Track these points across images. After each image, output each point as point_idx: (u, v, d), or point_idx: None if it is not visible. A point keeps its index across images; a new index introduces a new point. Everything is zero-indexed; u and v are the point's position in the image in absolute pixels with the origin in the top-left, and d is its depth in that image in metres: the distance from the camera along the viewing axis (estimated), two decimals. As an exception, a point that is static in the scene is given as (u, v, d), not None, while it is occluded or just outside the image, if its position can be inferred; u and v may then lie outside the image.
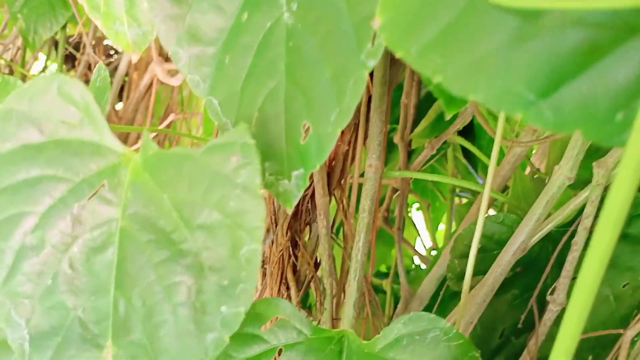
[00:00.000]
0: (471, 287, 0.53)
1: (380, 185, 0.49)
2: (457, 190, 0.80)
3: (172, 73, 0.94)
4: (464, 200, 0.90)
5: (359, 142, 0.52)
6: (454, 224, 0.84)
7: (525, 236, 0.44)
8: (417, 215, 1.17)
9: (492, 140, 0.84)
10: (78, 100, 0.32)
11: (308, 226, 0.53)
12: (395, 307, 0.71)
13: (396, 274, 0.75)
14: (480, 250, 0.48)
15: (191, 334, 0.29)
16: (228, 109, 0.32)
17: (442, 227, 1.01)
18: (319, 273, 0.52)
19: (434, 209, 0.96)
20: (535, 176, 0.61)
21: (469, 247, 0.49)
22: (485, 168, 0.77)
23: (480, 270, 0.49)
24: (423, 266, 0.96)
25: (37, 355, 0.31)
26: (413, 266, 1.02)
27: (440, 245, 0.82)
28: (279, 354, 0.35)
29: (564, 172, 0.44)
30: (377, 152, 0.49)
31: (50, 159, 0.32)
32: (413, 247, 0.75)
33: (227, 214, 0.28)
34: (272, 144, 0.31)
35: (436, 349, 0.33)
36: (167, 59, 0.96)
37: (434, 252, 0.87)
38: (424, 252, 0.84)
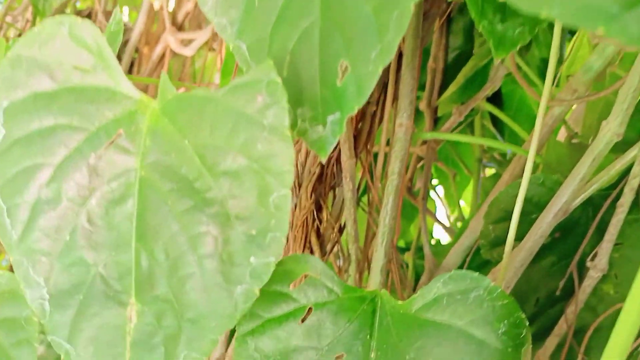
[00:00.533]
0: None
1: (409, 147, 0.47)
2: (484, 160, 0.77)
3: (185, 43, 0.92)
4: (487, 174, 0.87)
5: (388, 102, 0.49)
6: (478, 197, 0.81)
7: (568, 197, 0.41)
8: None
9: (520, 109, 0.81)
10: (91, 44, 0.30)
11: (332, 190, 0.51)
12: (416, 282, 0.69)
13: (417, 249, 0.73)
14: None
15: (219, 286, 0.27)
16: (257, 53, 0.30)
17: (462, 203, 0.98)
18: (343, 238, 0.50)
19: (454, 183, 0.93)
20: (572, 140, 0.57)
21: (506, 211, 0.47)
22: (514, 136, 0.74)
23: (517, 235, 0.47)
24: (442, 242, 0.94)
25: (58, 314, 0.30)
26: (433, 242, 0.99)
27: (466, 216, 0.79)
28: (308, 314, 0.33)
29: (612, 128, 0.41)
30: (408, 111, 0.47)
31: (64, 107, 0.30)
32: (437, 219, 0.73)
33: (253, 158, 0.26)
34: (305, 88, 0.28)
35: (479, 309, 0.30)
36: (180, 29, 0.94)
37: (454, 227, 0.84)
38: (443, 230, 0.81)
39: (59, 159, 0.30)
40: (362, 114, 0.49)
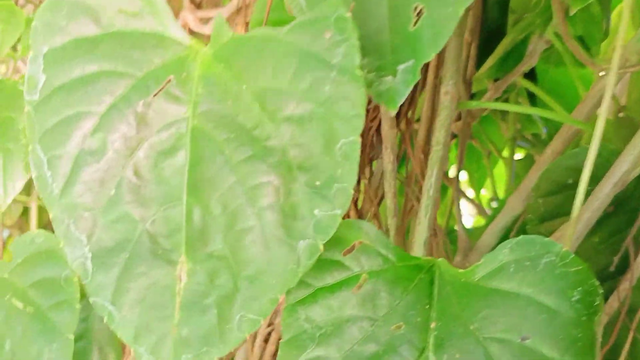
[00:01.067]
0: (552, 231, 0.48)
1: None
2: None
3: (204, 21, 0.89)
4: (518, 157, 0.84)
5: (431, 69, 0.47)
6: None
7: (629, 165, 0.39)
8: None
9: (553, 89, 0.78)
10: (139, -15, 0.28)
11: (370, 162, 0.49)
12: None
13: (448, 231, 0.71)
14: (569, 187, 0.43)
15: (280, 241, 0.25)
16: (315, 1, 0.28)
17: (483, 191, 0.96)
18: (381, 211, 0.48)
19: (478, 167, 0.91)
20: (620, 114, 0.55)
21: (558, 183, 0.45)
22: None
23: (567, 210, 0.45)
24: (467, 225, 0.91)
25: (101, 274, 0.28)
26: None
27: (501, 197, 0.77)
28: (362, 282, 0.31)
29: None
30: (455, 78, 0.45)
31: (108, 52, 0.28)
32: (470, 198, 0.70)
33: (319, 102, 0.24)
34: (372, 36, 0.26)
35: (551, 276, 0.28)
36: (198, 6, 0.92)
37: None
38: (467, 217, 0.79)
39: (104, 107, 0.28)
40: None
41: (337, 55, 0.23)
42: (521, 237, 0.29)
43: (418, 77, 0.25)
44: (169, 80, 0.27)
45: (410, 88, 0.25)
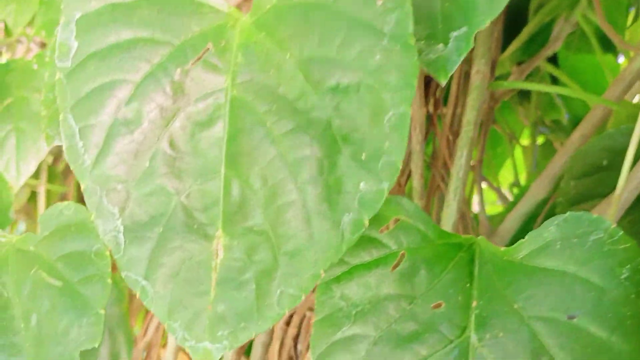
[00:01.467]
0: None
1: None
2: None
3: None
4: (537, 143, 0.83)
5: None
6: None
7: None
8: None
9: (573, 76, 0.77)
10: (177, -51, 0.27)
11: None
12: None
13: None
14: (604, 168, 0.42)
15: (323, 216, 0.24)
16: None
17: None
18: (407, 192, 0.47)
19: (495, 155, 0.90)
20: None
21: (592, 165, 0.44)
22: (573, 100, 0.70)
23: (600, 192, 0.44)
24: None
25: (134, 248, 0.27)
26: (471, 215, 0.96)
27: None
28: (400, 260, 0.31)
29: None
30: (487, 57, 0.44)
31: (145, 19, 0.27)
32: (491, 183, 0.69)
33: (368, 71, 0.23)
34: (422, 3, 0.25)
35: (599, 253, 0.27)
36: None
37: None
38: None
39: (140, 76, 0.27)
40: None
41: (389, 22, 0.22)
42: (568, 213, 0.28)
43: (471, 45, 0.24)
44: (208, 49, 0.26)
45: (463, 57, 0.24)
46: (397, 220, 0.31)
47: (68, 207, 0.30)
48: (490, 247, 0.31)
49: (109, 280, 0.28)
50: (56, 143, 0.37)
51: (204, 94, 0.26)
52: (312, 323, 0.31)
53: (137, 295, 0.27)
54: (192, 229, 0.27)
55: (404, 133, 0.23)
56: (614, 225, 0.28)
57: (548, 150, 0.77)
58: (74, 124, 0.27)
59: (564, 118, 0.71)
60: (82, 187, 0.28)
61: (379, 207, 0.24)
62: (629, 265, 0.27)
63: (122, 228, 0.27)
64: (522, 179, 0.80)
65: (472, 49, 0.46)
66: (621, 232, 0.28)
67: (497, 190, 0.68)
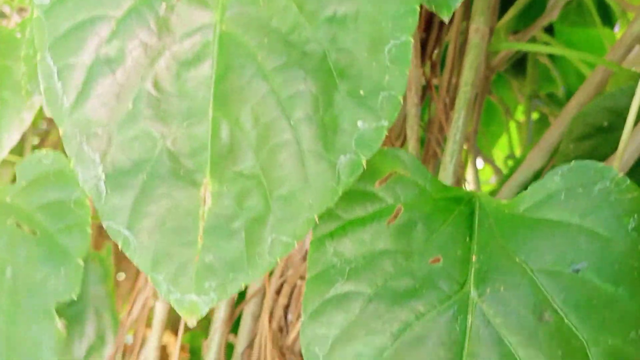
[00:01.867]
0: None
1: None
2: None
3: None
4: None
5: (458, 9, 0.44)
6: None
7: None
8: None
9: (571, 46, 0.75)
10: None
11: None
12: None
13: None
14: (604, 130, 0.41)
15: (318, 156, 0.23)
16: None
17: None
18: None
19: (489, 132, 0.89)
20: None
21: (593, 126, 0.42)
22: (568, 72, 0.69)
23: (600, 154, 0.43)
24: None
25: (116, 196, 0.25)
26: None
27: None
28: (397, 215, 0.29)
29: None
30: (486, 15, 0.42)
31: (127, -49, 0.25)
32: (486, 157, 0.68)
33: (367, -1, 0.22)
34: None
35: (605, 203, 0.26)
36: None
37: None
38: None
39: (122, 11, 0.25)
40: (428, 20, 0.45)
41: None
42: (573, 162, 0.27)
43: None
44: (194, -18, 0.25)
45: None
46: (393, 174, 0.30)
47: (47, 156, 0.28)
48: (491, 201, 0.30)
49: (89, 230, 0.27)
50: (35, 96, 0.35)
51: (191, 30, 0.25)
52: (304, 283, 0.29)
53: (120, 247, 0.26)
54: (179, 176, 0.25)
55: (405, 65, 0.22)
56: (622, 174, 0.26)
57: (543, 126, 0.76)
58: (52, 64, 0.25)
59: (560, 91, 0.70)
60: (61, 132, 0.26)
61: (377, 147, 0.22)
62: (636, 215, 0.26)
63: (103, 175, 0.25)
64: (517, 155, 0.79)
65: (470, 7, 0.44)
66: (628, 181, 0.26)
67: (492, 163, 0.67)
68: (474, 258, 0.28)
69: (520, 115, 0.81)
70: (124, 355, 0.54)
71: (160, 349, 0.55)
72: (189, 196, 0.25)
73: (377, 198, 0.29)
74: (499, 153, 0.82)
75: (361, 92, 0.22)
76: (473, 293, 0.27)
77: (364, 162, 0.23)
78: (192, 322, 0.24)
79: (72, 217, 0.27)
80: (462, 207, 0.29)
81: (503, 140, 0.88)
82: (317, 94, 0.22)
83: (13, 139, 0.63)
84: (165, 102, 0.25)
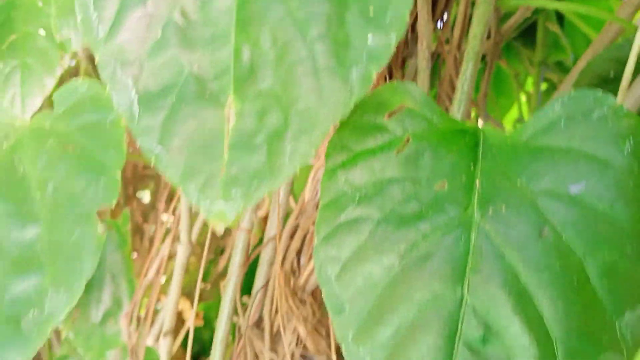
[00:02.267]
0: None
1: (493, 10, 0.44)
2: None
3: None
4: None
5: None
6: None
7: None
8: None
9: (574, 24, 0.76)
10: None
11: (403, 62, 0.48)
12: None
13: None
14: (611, 80, 0.42)
15: (332, 71, 0.24)
16: None
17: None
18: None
19: (498, 104, 0.89)
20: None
21: (602, 77, 0.44)
22: (580, 40, 0.70)
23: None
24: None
25: (148, 117, 0.27)
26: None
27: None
28: (405, 145, 0.31)
29: None
30: (493, -32, 0.43)
31: None
32: (495, 121, 0.70)
33: None
34: None
35: (603, 128, 0.28)
36: None
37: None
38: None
39: (152, -56, 0.27)
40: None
41: None
42: (573, 91, 0.29)
43: None
44: None
45: None
46: (403, 107, 0.31)
47: (82, 84, 0.30)
48: (495, 133, 0.31)
49: (124, 148, 0.29)
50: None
51: (215, -37, 0.27)
52: (314, 230, 0.31)
53: (152, 163, 0.28)
54: (204, 98, 0.27)
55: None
56: (619, 103, 0.28)
57: (552, 96, 0.77)
58: (88, -4, 0.28)
59: (569, 59, 0.71)
60: (96, 59, 0.28)
61: (386, 60, 0.24)
62: (632, 139, 0.28)
63: (136, 98, 0.28)
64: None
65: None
66: (625, 109, 0.28)
67: (501, 127, 0.68)
68: (477, 183, 0.30)
69: (530, 87, 0.82)
70: (138, 321, 0.56)
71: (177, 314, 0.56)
72: (214, 115, 0.27)
73: (387, 130, 0.31)
74: (508, 126, 0.83)
75: (371, 11, 0.24)
76: (476, 214, 0.29)
77: (374, 76, 0.24)
78: (220, 229, 0.26)
79: (109, 136, 0.29)
80: (467, 138, 0.31)
81: (512, 113, 0.88)
82: (330, 14, 0.24)
83: (35, 104, 0.65)
84: (191, 30, 0.27)
